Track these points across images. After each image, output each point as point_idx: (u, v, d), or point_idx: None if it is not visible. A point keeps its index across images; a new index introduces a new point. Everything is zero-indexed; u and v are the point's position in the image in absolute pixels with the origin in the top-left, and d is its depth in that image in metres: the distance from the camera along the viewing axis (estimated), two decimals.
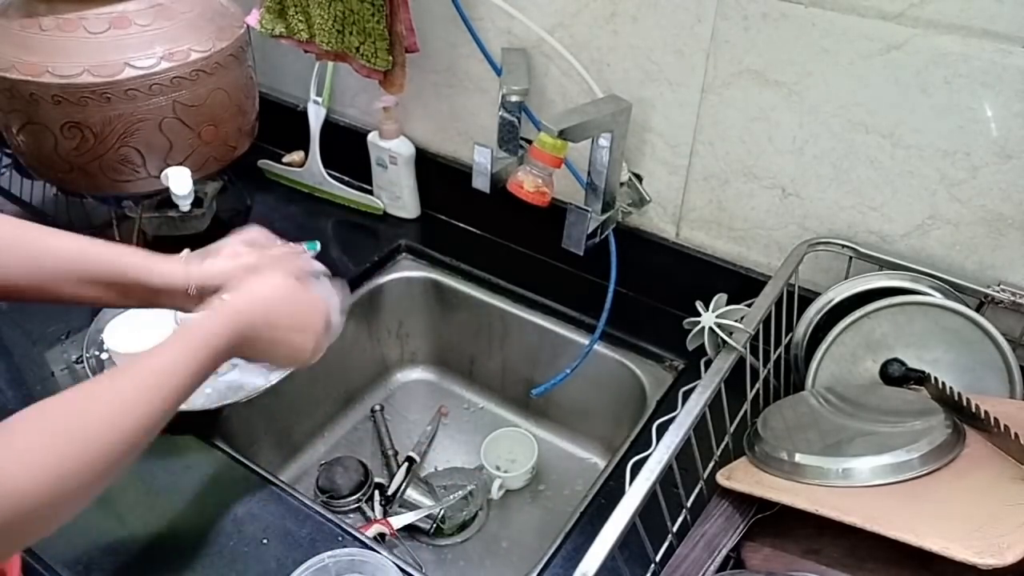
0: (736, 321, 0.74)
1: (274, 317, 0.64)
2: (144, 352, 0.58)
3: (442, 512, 0.97)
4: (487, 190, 0.86)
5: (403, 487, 0.99)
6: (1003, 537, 0.49)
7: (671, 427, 0.61)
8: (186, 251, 0.70)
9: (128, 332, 0.87)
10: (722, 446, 0.71)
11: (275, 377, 0.88)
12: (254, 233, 0.73)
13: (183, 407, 0.85)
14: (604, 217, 0.88)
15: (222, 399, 0.86)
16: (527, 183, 0.81)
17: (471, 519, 0.99)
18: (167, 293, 0.67)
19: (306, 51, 1.03)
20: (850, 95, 0.77)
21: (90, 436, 0.51)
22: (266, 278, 0.66)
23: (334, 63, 1.11)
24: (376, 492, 1.00)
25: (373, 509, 0.99)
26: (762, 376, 0.76)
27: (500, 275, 1.08)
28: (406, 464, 1.03)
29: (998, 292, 0.76)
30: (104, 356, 0.89)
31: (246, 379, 0.89)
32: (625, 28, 0.87)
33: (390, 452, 1.07)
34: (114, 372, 0.57)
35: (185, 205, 0.98)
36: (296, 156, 1.25)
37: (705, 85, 0.85)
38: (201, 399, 0.86)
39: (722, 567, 0.62)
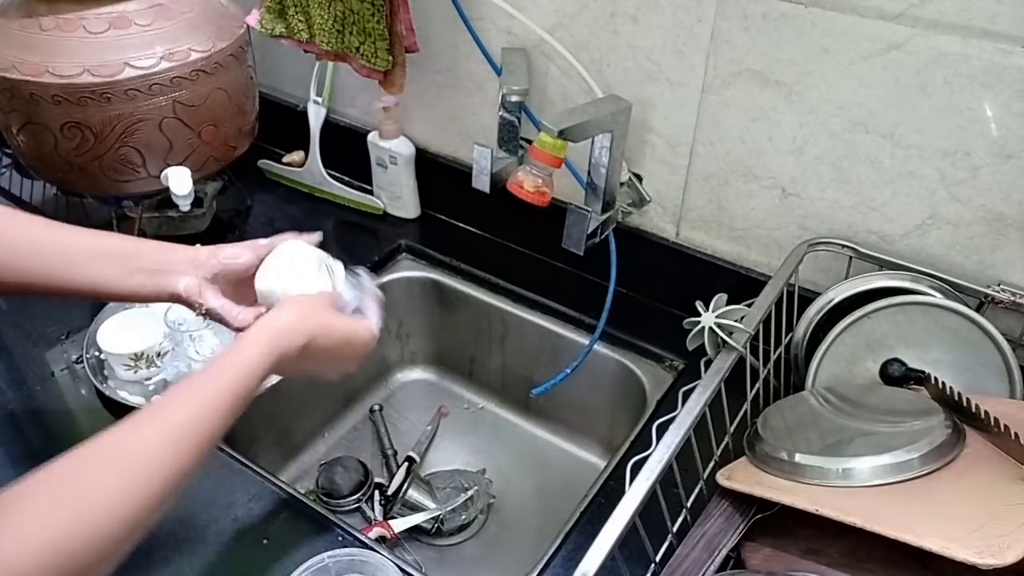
0: (736, 321, 0.74)
1: (313, 349, 0.62)
2: (177, 388, 0.55)
3: (441, 516, 0.97)
4: (487, 190, 0.86)
5: (405, 487, 0.99)
6: (1003, 537, 0.49)
7: (671, 427, 0.61)
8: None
9: (119, 332, 0.87)
10: (722, 446, 0.71)
11: (275, 377, 0.88)
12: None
13: None
14: (604, 217, 0.88)
15: None
16: (527, 183, 0.81)
17: (471, 521, 0.99)
18: (173, 266, 0.67)
19: (306, 51, 1.03)
20: (850, 95, 0.77)
21: (100, 510, 0.45)
22: (311, 309, 0.64)
23: (334, 63, 1.11)
24: (376, 492, 1.00)
25: (373, 509, 0.99)
26: (762, 376, 0.76)
27: (500, 275, 1.08)
28: (406, 464, 1.03)
29: (998, 292, 0.76)
30: (103, 356, 0.89)
31: None
32: (625, 28, 0.87)
33: (389, 452, 1.07)
34: (138, 422, 0.51)
35: (185, 205, 0.98)
36: (296, 156, 1.25)
37: (705, 85, 0.85)
38: None
39: (722, 567, 0.62)
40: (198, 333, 0.88)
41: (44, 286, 0.65)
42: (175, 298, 0.68)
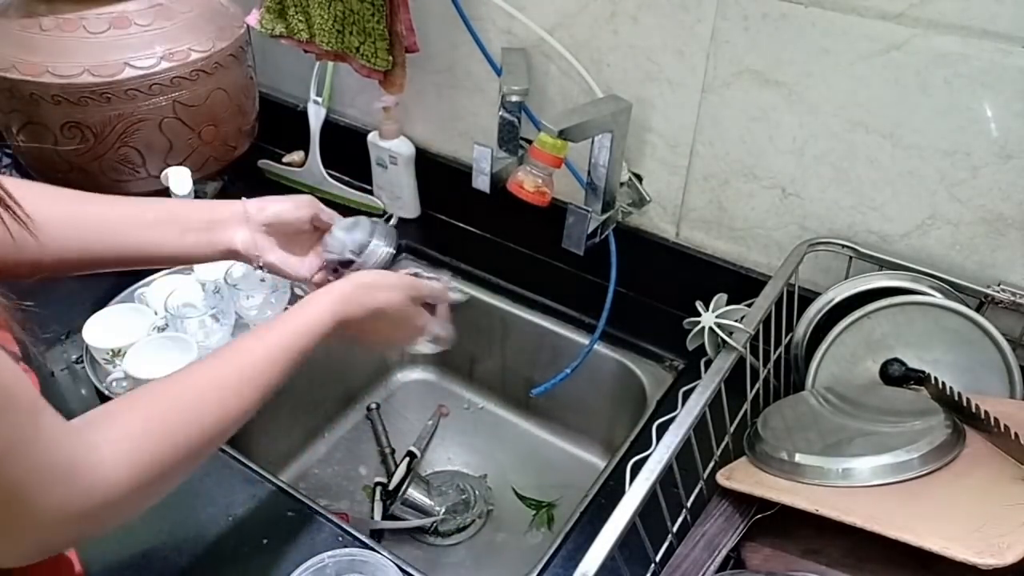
0: (736, 321, 0.74)
1: (373, 322, 0.67)
2: (247, 335, 0.61)
3: (435, 525, 0.97)
4: (487, 190, 0.86)
5: (406, 485, 0.99)
6: (1003, 537, 0.49)
7: (671, 427, 0.61)
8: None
9: (103, 327, 0.87)
10: (722, 446, 0.71)
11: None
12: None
13: None
14: (604, 217, 0.88)
15: None
16: (527, 183, 0.81)
17: (468, 525, 0.99)
18: (224, 222, 0.70)
19: (306, 51, 1.03)
20: (850, 95, 0.77)
21: (182, 429, 0.52)
22: (380, 282, 0.69)
23: (334, 63, 1.11)
24: (377, 489, 1.00)
25: (374, 506, 0.99)
26: (762, 376, 0.76)
27: (500, 275, 1.08)
28: (406, 459, 1.03)
29: (998, 292, 0.76)
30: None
31: None
32: (625, 28, 0.87)
33: (387, 450, 1.07)
34: (214, 363, 0.58)
35: None
36: (296, 156, 1.25)
37: (705, 85, 0.85)
38: None
39: (722, 567, 0.62)
40: (199, 319, 0.88)
41: (99, 259, 0.67)
42: (231, 254, 0.71)
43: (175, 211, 0.70)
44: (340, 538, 0.74)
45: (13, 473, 0.41)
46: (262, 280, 0.93)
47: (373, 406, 1.12)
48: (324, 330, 0.63)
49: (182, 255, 0.70)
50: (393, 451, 1.07)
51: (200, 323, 0.88)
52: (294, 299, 1.00)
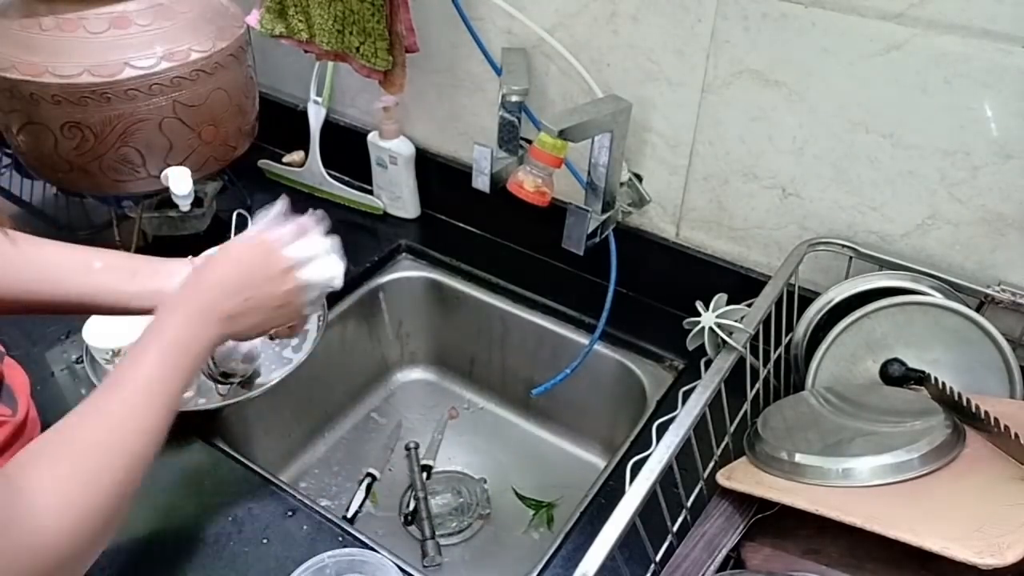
0: (736, 321, 0.74)
1: (232, 288, 0.64)
2: (122, 364, 0.57)
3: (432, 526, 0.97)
4: (487, 190, 0.86)
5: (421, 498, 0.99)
6: (1003, 537, 0.49)
7: (671, 427, 0.61)
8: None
9: (104, 328, 0.87)
10: (722, 446, 0.71)
11: (276, 376, 0.88)
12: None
13: (184, 408, 0.86)
14: (604, 217, 0.88)
15: (223, 398, 0.86)
16: (527, 183, 0.81)
17: (466, 527, 0.99)
18: (171, 271, 0.70)
19: (306, 51, 1.03)
20: (850, 95, 0.77)
21: (108, 464, 0.51)
22: (218, 255, 0.67)
23: (334, 63, 1.11)
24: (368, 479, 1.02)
25: (365, 498, 1.00)
26: (762, 376, 0.76)
27: (500, 275, 1.08)
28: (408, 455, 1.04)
29: (998, 292, 0.76)
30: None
31: None
32: (625, 28, 0.87)
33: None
34: (113, 386, 0.56)
35: (185, 205, 0.98)
36: (296, 156, 1.25)
37: (705, 85, 0.85)
38: (202, 399, 0.86)
39: (722, 567, 0.62)
40: None
41: (36, 303, 0.68)
42: None
43: (124, 261, 0.70)
44: (340, 538, 0.74)
45: None
46: None
47: (412, 446, 1.08)
48: (194, 331, 0.61)
49: (124, 301, 0.68)
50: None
51: None
52: None
